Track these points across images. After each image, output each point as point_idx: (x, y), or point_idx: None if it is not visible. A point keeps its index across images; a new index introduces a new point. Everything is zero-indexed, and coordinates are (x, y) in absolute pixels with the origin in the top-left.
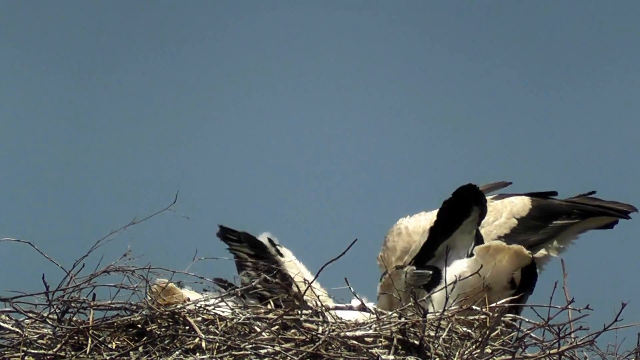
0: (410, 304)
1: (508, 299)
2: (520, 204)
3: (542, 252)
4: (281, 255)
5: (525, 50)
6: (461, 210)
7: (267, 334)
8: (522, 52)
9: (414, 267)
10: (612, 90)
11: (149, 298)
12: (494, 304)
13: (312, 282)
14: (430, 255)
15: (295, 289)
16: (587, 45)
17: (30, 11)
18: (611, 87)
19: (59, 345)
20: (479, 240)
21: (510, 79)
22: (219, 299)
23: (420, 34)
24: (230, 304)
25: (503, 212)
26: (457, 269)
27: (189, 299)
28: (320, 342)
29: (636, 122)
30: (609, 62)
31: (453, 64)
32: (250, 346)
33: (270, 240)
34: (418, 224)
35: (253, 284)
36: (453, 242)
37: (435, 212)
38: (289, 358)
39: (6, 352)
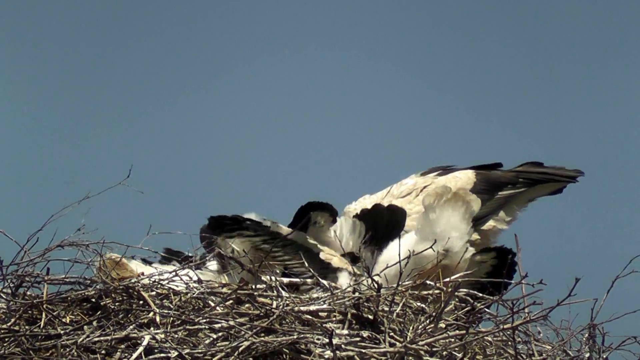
0: (364, 278)
1: (462, 273)
2: (464, 178)
3: (490, 223)
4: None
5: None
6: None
7: (222, 308)
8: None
9: None
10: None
11: (100, 272)
12: (448, 279)
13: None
14: None
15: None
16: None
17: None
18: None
19: (12, 320)
20: None
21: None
22: (173, 273)
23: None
24: (184, 278)
25: None
26: (407, 238)
27: (142, 273)
28: (275, 316)
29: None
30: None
31: (440, 45)
32: (204, 320)
33: (257, 215)
34: (364, 207)
35: (207, 258)
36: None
37: (380, 193)
38: (243, 332)
39: None
